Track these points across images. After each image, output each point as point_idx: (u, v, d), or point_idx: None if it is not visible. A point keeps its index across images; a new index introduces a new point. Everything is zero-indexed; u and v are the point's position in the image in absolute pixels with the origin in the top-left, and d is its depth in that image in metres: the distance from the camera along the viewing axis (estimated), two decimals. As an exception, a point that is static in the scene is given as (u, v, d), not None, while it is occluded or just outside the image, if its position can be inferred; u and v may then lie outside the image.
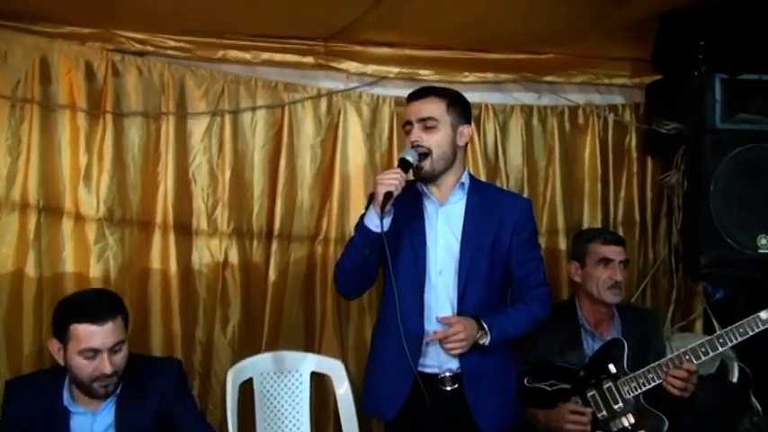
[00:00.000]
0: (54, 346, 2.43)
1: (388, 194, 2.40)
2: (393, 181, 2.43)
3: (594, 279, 3.00)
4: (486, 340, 2.54)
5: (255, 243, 3.38)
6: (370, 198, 2.62)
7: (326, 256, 3.45)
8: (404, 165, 2.51)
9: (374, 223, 2.45)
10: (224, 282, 3.32)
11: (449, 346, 2.50)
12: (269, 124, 3.39)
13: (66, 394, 2.47)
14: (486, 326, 2.55)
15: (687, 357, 2.77)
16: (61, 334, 2.40)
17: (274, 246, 3.38)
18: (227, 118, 3.31)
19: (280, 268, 3.40)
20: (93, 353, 2.37)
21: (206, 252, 3.31)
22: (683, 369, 2.73)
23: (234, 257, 3.33)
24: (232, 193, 3.32)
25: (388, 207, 2.42)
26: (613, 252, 3.02)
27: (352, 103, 3.52)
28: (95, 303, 2.44)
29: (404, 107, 2.74)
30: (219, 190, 3.32)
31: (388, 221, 2.46)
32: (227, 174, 3.31)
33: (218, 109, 3.29)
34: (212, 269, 3.31)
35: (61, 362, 2.43)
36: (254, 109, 3.36)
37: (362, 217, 2.56)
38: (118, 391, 2.47)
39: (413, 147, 2.56)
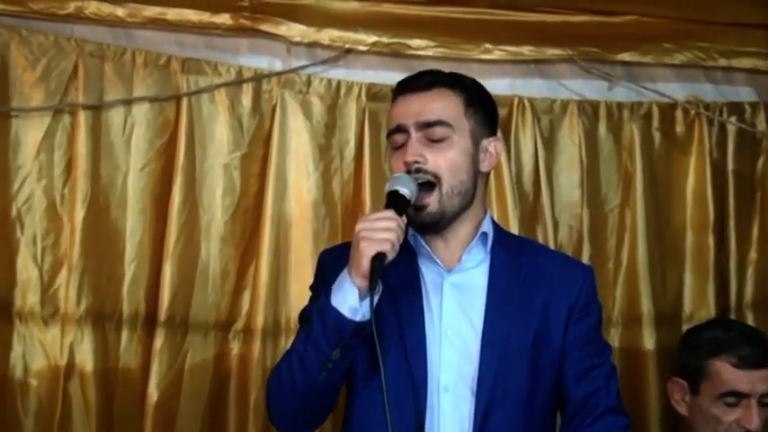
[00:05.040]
0: None
1: (380, 257, 2.29)
2: (387, 234, 2.31)
3: (711, 420, 2.98)
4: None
5: (126, 335, 3.29)
6: (321, 262, 2.67)
7: (248, 361, 3.36)
8: (397, 203, 2.40)
9: (352, 306, 2.33)
10: (66, 401, 3.19)
11: None
12: (155, 129, 3.34)
13: None
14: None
15: None
16: None
17: (159, 340, 3.28)
18: (83, 117, 3.24)
19: (168, 380, 3.29)
20: None
21: (37, 349, 3.21)
22: None
23: (86, 360, 3.22)
24: (87, 248, 3.23)
25: (377, 280, 2.32)
26: (752, 381, 2.97)
27: (296, 93, 3.48)
28: None
29: (386, 103, 2.76)
30: (64, 242, 3.25)
31: (369, 304, 2.33)
32: (80, 213, 3.22)
33: (66, 102, 3.24)
34: (47, 379, 3.21)
35: None
36: (129, 102, 3.30)
37: (318, 294, 2.48)
38: None
39: (408, 172, 2.46)
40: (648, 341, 3.64)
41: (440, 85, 2.54)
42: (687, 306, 3.74)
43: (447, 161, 2.47)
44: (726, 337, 3.06)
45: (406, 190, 2.40)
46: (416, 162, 2.45)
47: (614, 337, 3.62)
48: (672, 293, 3.75)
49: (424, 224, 2.50)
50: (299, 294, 3.22)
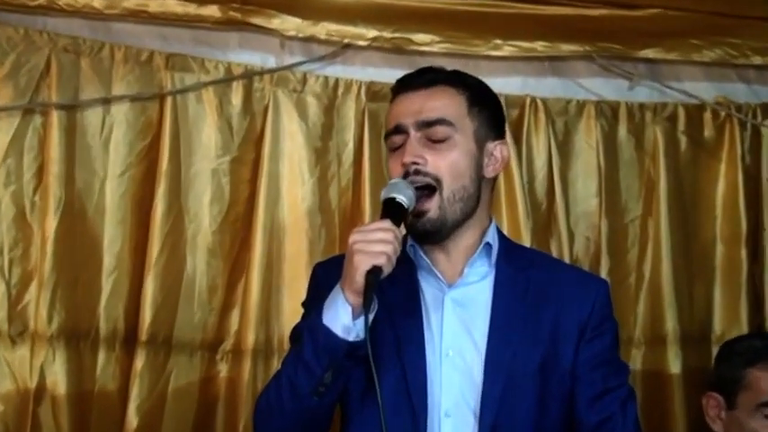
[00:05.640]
0: None
1: (376, 272, 2.24)
2: (382, 247, 2.25)
3: None
4: None
5: (103, 356, 3.25)
6: (315, 275, 2.64)
7: (237, 383, 3.33)
8: (394, 212, 2.35)
9: (345, 324, 2.28)
10: (36, 427, 3.16)
11: None
12: (136, 131, 3.32)
13: None
14: None
15: None
16: None
17: (139, 361, 3.25)
18: (56, 118, 3.21)
19: (150, 404, 3.25)
20: None
21: (3, 370, 3.17)
22: None
23: (59, 382, 3.17)
24: (61, 260, 3.18)
25: (372, 296, 2.26)
26: None
27: (290, 92, 3.46)
28: None
29: (387, 103, 2.67)
30: (35, 254, 3.21)
31: (363, 323, 2.29)
32: (52, 222, 3.19)
33: (37, 101, 3.21)
34: (15, 403, 3.16)
35: None
36: (107, 101, 3.27)
37: (311, 311, 2.43)
38: None
39: (406, 176, 2.43)
40: (674, 363, 3.61)
41: (441, 83, 2.53)
42: (717, 325, 3.72)
43: (448, 163, 2.45)
44: (765, 346, 3.07)
45: (404, 197, 2.35)
46: (415, 163, 2.41)
47: (636, 359, 3.60)
48: (700, 311, 3.72)
49: (424, 232, 2.45)
50: (292, 311, 3.16)
